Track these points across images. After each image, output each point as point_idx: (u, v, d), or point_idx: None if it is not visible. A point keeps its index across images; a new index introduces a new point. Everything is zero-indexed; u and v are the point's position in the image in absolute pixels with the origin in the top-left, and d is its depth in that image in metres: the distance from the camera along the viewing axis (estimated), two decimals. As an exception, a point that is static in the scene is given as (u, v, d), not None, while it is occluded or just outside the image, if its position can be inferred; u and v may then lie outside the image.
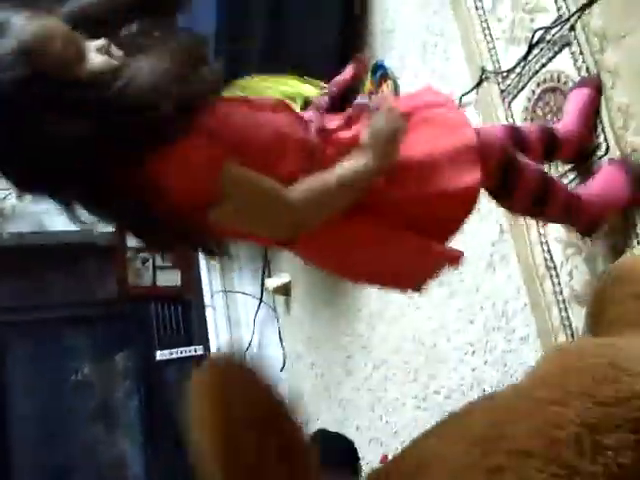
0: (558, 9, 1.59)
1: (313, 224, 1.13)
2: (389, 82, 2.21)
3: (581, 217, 1.46)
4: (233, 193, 1.05)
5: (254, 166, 1.08)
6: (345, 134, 1.22)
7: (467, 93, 1.89)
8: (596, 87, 1.49)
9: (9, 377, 3.42)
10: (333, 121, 1.23)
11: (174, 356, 3.39)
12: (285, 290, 3.03)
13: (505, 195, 1.37)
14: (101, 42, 1.06)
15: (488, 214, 1.82)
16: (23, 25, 1.00)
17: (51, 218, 3.36)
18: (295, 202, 1.09)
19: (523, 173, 1.34)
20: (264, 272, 3.17)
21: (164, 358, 3.39)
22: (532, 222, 1.68)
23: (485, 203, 1.81)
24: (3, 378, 3.40)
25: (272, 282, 3.06)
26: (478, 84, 1.85)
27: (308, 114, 1.23)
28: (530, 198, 1.38)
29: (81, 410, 3.52)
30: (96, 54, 1.04)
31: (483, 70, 1.83)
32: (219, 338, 3.36)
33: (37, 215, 3.32)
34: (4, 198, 3.19)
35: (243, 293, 3.27)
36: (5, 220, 3.21)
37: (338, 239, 1.21)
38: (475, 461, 0.93)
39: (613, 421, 0.93)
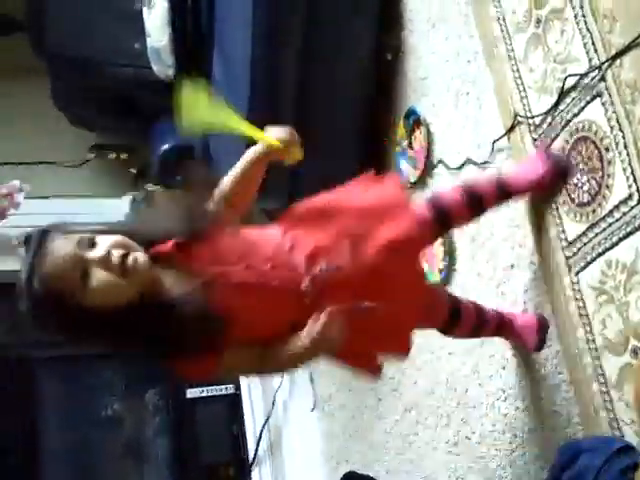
0: (590, 60, 1.60)
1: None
2: (422, 128, 2.24)
3: None
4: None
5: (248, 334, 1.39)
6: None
7: (499, 139, 1.91)
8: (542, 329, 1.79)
9: (40, 412, 3.46)
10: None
11: (204, 394, 3.41)
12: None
13: (449, 331, 1.78)
14: (100, 253, 1.29)
15: (519, 259, 1.84)
16: (44, 261, 1.27)
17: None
18: (284, 363, 1.44)
19: (464, 314, 1.74)
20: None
21: (194, 396, 3.40)
22: (564, 270, 1.69)
23: (514, 253, 1.84)
24: (34, 413, 3.43)
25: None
26: (510, 129, 1.87)
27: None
28: (470, 330, 1.78)
29: (111, 446, 3.54)
30: (97, 270, 1.28)
31: (516, 115, 1.84)
32: (250, 377, 3.37)
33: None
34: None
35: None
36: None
37: None
38: None
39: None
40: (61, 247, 1.29)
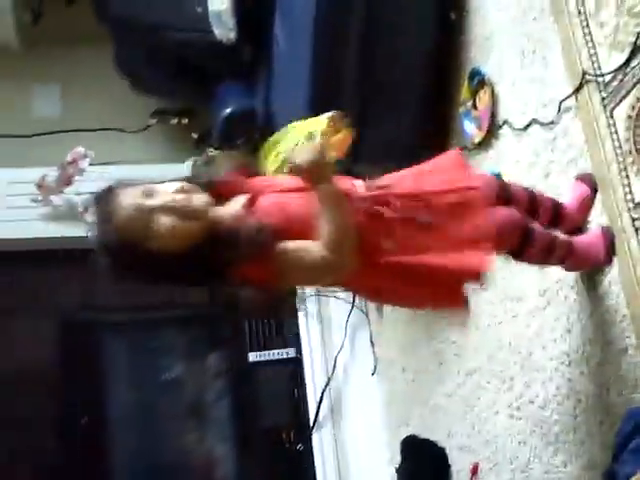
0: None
1: (345, 261, 1.42)
2: (486, 88, 2.20)
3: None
4: (287, 270, 1.42)
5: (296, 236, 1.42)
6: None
7: (567, 98, 1.87)
8: (592, 186, 1.77)
9: (106, 375, 3.54)
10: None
11: (266, 358, 3.43)
12: (377, 295, 3.04)
13: (519, 255, 1.68)
14: (163, 200, 1.38)
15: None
16: (112, 216, 1.37)
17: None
18: (325, 252, 1.40)
19: (535, 241, 1.65)
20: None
21: (256, 360, 3.44)
22: (631, 232, 1.65)
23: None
24: (101, 376, 3.51)
25: (364, 287, 3.08)
26: (578, 89, 1.82)
27: None
28: (539, 256, 1.70)
29: (173, 408, 3.60)
30: (161, 216, 1.37)
31: (584, 74, 1.79)
32: (311, 341, 3.39)
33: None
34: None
35: (335, 297, 3.28)
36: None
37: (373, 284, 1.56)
38: None
39: None
40: (125, 201, 1.38)
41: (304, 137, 1.63)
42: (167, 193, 1.39)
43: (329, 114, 1.62)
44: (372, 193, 1.50)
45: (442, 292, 1.59)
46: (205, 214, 1.42)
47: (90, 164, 3.21)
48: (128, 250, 1.37)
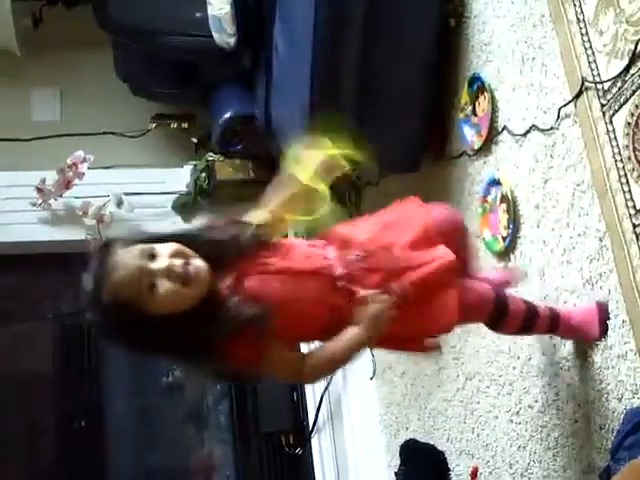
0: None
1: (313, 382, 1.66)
2: (486, 94, 2.21)
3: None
4: (268, 369, 1.50)
5: (289, 326, 1.46)
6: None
7: (566, 105, 1.88)
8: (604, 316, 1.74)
9: (105, 379, 3.53)
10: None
11: (265, 362, 3.44)
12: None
13: (497, 326, 1.75)
14: (164, 264, 1.38)
15: (585, 227, 1.81)
16: (110, 273, 1.36)
17: (147, 225, 3.45)
18: (306, 376, 1.55)
19: (512, 312, 1.71)
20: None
21: (255, 364, 3.44)
22: (632, 239, 1.66)
23: (580, 221, 1.81)
24: (100, 379, 3.51)
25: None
26: (577, 95, 1.83)
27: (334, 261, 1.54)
28: (518, 328, 1.77)
29: (172, 412, 3.60)
30: (162, 280, 1.37)
31: (583, 81, 1.80)
32: (309, 345, 3.39)
33: (134, 222, 3.42)
34: (104, 206, 3.29)
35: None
36: (104, 226, 3.31)
37: None
38: None
39: None
40: (126, 260, 1.38)
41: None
42: (166, 255, 1.39)
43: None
44: (348, 272, 1.53)
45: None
46: (204, 282, 1.42)
47: (89, 168, 3.22)
48: (121, 309, 1.37)
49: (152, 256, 1.39)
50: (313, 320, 1.53)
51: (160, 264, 1.38)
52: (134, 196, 3.36)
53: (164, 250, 1.40)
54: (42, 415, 3.43)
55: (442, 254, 1.59)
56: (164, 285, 1.37)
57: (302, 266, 1.52)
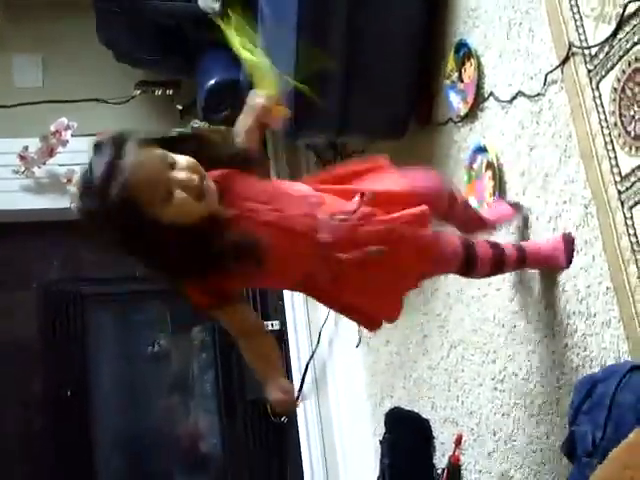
0: (653, -16, 1.54)
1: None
2: (472, 61, 2.19)
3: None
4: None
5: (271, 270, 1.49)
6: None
7: (553, 70, 1.86)
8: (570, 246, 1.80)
9: (91, 347, 3.52)
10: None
11: (251, 330, 3.43)
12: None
13: (469, 273, 1.81)
14: (183, 176, 1.38)
15: (571, 194, 1.80)
16: (128, 169, 1.33)
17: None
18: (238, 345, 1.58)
19: (480, 260, 1.76)
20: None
21: (241, 332, 3.43)
22: (617, 205, 1.65)
23: (565, 188, 1.80)
24: (85, 348, 3.50)
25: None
26: (564, 61, 1.81)
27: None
28: (488, 272, 1.85)
29: (158, 381, 3.60)
30: (179, 190, 1.37)
31: (570, 46, 1.78)
32: (295, 314, 3.39)
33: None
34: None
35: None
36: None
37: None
38: None
39: None
40: (146, 161, 1.37)
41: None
42: (185, 168, 1.39)
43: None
44: (333, 239, 1.54)
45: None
46: (214, 201, 1.44)
47: (73, 135, 3.19)
48: (129, 206, 1.34)
49: (172, 165, 1.39)
50: (291, 273, 1.58)
51: (180, 175, 1.38)
52: (119, 163, 3.33)
53: (182, 162, 1.40)
54: (28, 384, 3.42)
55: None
56: (181, 195, 1.38)
57: (289, 223, 1.52)
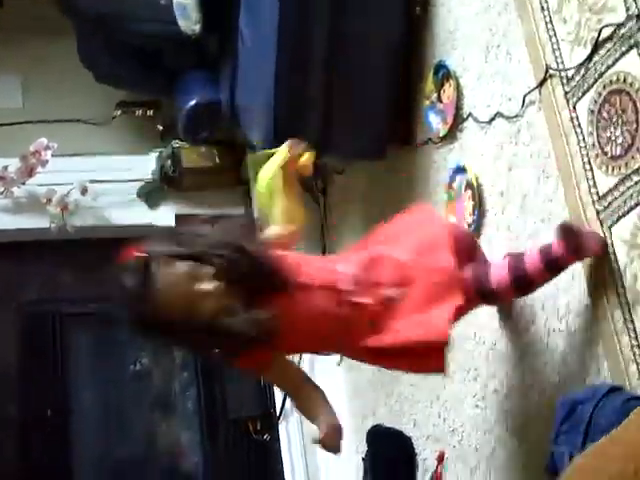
0: (627, 9, 1.57)
1: None
2: (451, 82, 2.22)
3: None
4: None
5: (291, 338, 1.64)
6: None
7: (530, 92, 1.89)
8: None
9: (71, 367, 3.50)
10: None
11: (233, 349, 3.43)
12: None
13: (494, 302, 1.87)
14: (208, 288, 1.56)
15: (549, 214, 1.83)
16: (157, 293, 1.55)
17: (113, 213, 3.43)
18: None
19: (498, 289, 1.72)
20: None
21: (222, 351, 3.43)
22: (596, 225, 1.68)
23: (544, 207, 1.83)
24: (65, 368, 3.48)
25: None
26: (542, 83, 1.85)
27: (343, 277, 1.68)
28: (513, 294, 1.79)
29: (140, 400, 3.58)
30: (206, 300, 1.56)
31: (547, 68, 1.82)
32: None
33: (100, 210, 3.40)
34: (68, 193, 3.26)
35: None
36: (69, 214, 3.28)
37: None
38: None
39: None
40: (172, 280, 1.56)
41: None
42: (208, 279, 1.56)
43: (286, 143, 1.81)
44: (356, 287, 1.65)
45: (417, 361, 1.72)
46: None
47: (53, 155, 3.18)
48: (162, 320, 1.56)
49: (198, 279, 1.56)
50: (315, 331, 1.68)
51: (206, 287, 1.56)
52: (99, 184, 3.33)
53: (206, 271, 1.57)
54: (7, 405, 3.39)
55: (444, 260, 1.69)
56: (207, 304, 1.56)
57: (310, 281, 1.65)
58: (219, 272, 1.57)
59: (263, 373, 1.84)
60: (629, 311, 1.61)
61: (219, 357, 1.85)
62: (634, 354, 1.59)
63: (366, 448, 2.67)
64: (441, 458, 2.35)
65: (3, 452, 3.35)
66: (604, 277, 1.66)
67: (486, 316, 2.10)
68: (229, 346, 1.63)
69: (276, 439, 3.36)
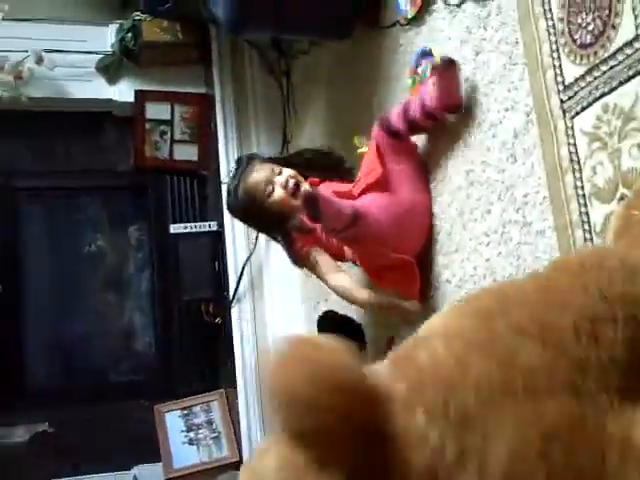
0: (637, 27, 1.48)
1: None
2: None
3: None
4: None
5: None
6: None
7: None
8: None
9: (24, 243, 3.44)
10: None
11: (188, 230, 3.40)
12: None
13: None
14: (284, 179, 2.22)
15: (513, 102, 1.79)
16: (249, 176, 2.26)
17: (69, 85, 3.32)
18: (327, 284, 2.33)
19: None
20: (283, 148, 3.16)
21: (178, 232, 3.40)
22: (559, 114, 1.64)
23: (508, 95, 1.78)
24: (18, 244, 3.42)
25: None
26: None
27: None
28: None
29: (94, 280, 3.55)
30: (279, 188, 2.21)
31: None
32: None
33: (55, 81, 3.28)
34: (22, 61, 3.14)
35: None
36: (23, 84, 3.16)
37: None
38: (473, 328, 0.98)
39: (614, 318, 1.01)
40: (260, 170, 2.24)
41: None
42: (286, 175, 2.21)
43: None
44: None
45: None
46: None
47: (4, 19, 3.03)
48: (247, 200, 2.23)
49: (279, 172, 2.22)
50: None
51: (280, 178, 2.21)
52: (55, 53, 3.20)
53: (285, 171, 2.23)
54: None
55: None
56: (278, 192, 2.20)
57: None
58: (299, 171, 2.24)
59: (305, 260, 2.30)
60: (585, 204, 1.59)
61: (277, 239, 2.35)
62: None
63: (317, 333, 2.68)
64: (390, 343, 2.37)
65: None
66: (563, 168, 1.63)
67: (443, 204, 2.07)
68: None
69: (228, 323, 3.37)
